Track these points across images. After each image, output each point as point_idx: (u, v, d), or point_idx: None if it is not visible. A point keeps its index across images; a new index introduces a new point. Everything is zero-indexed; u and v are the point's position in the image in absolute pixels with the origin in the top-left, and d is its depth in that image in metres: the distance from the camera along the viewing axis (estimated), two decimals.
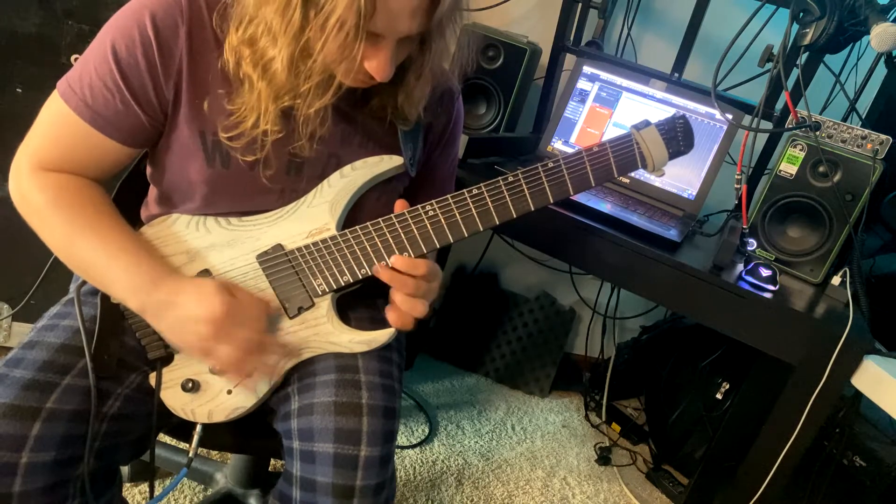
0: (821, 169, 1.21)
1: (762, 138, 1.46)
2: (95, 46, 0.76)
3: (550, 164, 0.79)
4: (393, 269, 0.81)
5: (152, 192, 0.88)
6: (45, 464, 0.69)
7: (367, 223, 0.81)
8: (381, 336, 0.84)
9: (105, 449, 0.76)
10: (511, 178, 0.79)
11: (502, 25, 1.71)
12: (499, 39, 1.60)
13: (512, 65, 1.60)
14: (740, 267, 1.19)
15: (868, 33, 1.07)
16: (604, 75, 1.54)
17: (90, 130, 0.77)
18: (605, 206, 1.27)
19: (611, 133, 1.53)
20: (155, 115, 0.78)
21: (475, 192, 0.80)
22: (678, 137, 0.82)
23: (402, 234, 0.81)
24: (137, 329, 0.82)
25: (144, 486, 1.32)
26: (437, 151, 0.97)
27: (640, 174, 1.48)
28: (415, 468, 1.60)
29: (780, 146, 1.38)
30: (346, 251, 0.82)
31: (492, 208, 0.80)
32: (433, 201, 0.80)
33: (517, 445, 1.81)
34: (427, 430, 1.75)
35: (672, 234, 1.23)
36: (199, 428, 0.84)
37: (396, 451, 1.59)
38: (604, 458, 1.83)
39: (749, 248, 1.18)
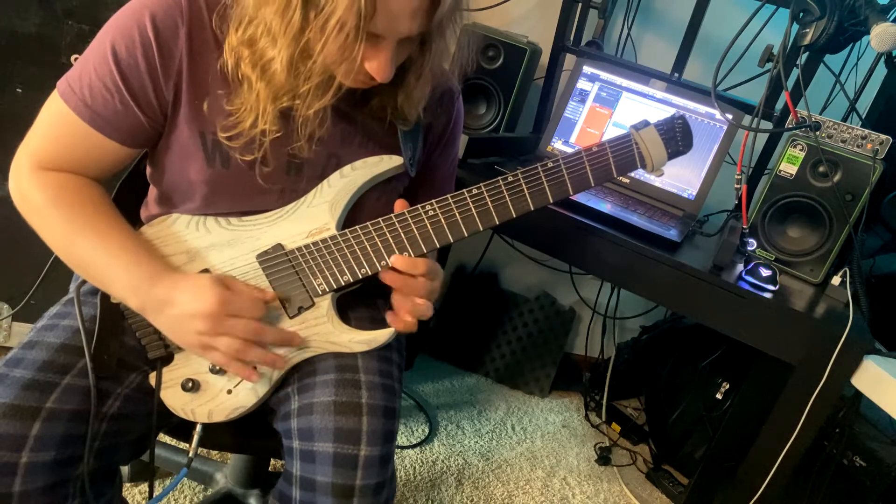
0: (821, 169, 1.21)
1: (762, 138, 1.46)
2: (95, 46, 0.76)
3: (550, 164, 0.79)
4: (393, 269, 0.81)
5: (152, 192, 0.88)
6: (44, 463, 0.69)
7: (367, 223, 0.81)
8: (381, 336, 0.84)
9: (105, 449, 0.76)
10: (511, 178, 0.79)
11: (502, 25, 1.71)
12: (499, 39, 1.60)
13: (512, 65, 1.60)
14: (740, 267, 1.19)
15: (868, 33, 1.07)
16: (604, 75, 1.54)
17: (89, 130, 0.77)
18: (605, 206, 1.27)
19: (611, 133, 1.53)
20: (154, 116, 0.79)
21: (475, 191, 0.80)
22: (677, 137, 0.82)
23: (402, 234, 0.81)
24: (137, 329, 0.82)
25: (144, 486, 1.32)
26: (436, 151, 0.97)
27: (640, 174, 1.48)
28: (415, 468, 1.60)
29: (780, 146, 1.38)
30: (346, 251, 0.82)
31: (492, 208, 0.80)
32: (433, 201, 0.80)
33: (517, 445, 1.81)
34: (427, 430, 1.75)
35: (672, 234, 1.23)
36: (199, 428, 0.84)
37: (396, 451, 1.59)
38: (604, 458, 1.83)
39: (749, 248, 1.18)
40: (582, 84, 1.56)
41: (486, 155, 1.48)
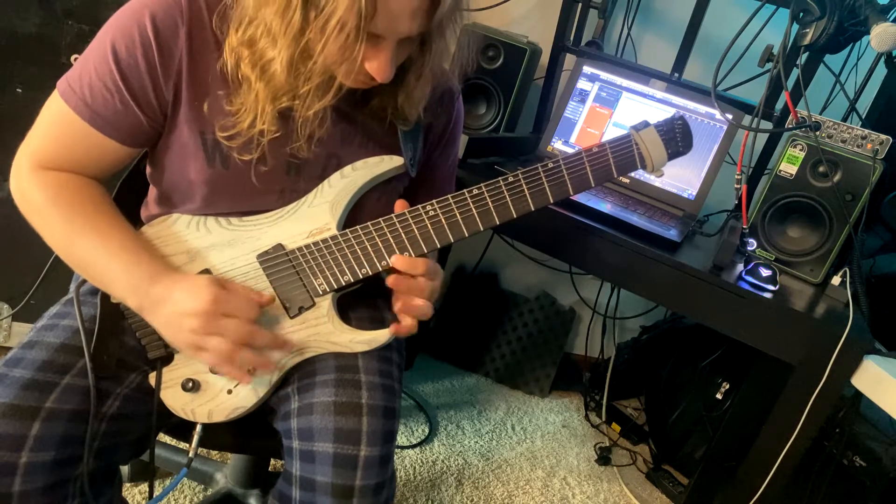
0: (821, 169, 1.21)
1: (762, 138, 1.46)
2: (95, 46, 0.76)
3: (550, 165, 0.79)
4: (393, 269, 0.81)
5: (152, 192, 0.88)
6: (44, 463, 0.69)
7: (368, 223, 0.81)
8: (381, 336, 0.84)
9: (104, 449, 0.76)
10: (511, 179, 0.79)
11: (502, 25, 1.71)
12: (499, 39, 1.60)
13: (512, 65, 1.60)
14: (740, 267, 1.19)
15: (868, 33, 1.07)
16: (604, 75, 1.54)
17: (89, 130, 0.77)
18: (605, 206, 1.27)
19: (611, 133, 1.53)
20: (154, 116, 0.79)
21: (475, 192, 0.80)
22: (677, 138, 0.82)
23: (403, 234, 0.81)
24: (137, 329, 0.82)
25: (144, 486, 1.32)
26: (437, 151, 0.97)
27: (640, 174, 1.48)
28: (415, 468, 1.60)
29: (780, 146, 1.38)
30: (347, 251, 0.82)
31: (492, 208, 0.80)
32: (434, 201, 0.80)
33: (517, 445, 1.81)
34: (427, 430, 1.75)
35: (672, 234, 1.23)
36: (198, 428, 0.84)
37: (396, 451, 1.59)
38: (604, 458, 1.83)
39: (749, 248, 1.18)
40: (582, 84, 1.56)
41: (486, 155, 1.48)
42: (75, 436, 0.72)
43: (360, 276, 0.82)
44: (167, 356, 0.82)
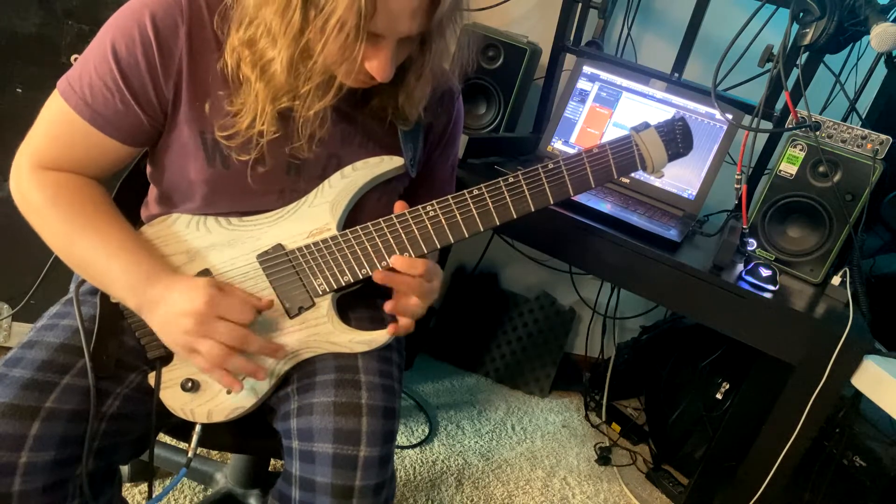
0: (821, 169, 1.21)
1: (762, 138, 1.46)
2: (95, 46, 0.76)
3: (550, 165, 0.79)
4: (392, 269, 0.81)
5: (152, 191, 0.88)
6: (44, 463, 0.69)
7: (368, 223, 0.81)
8: (380, 336, 0.84)
9: (104, 448, 0.76)
10: (511, 179, 0.79)
11: (502, 25, 1.71)
12: (499, 39, 1.60)
13: (512, 65, 1.60)
14: (740, 267, 1.19)
15: (868, 33, 1.07)
16: (604, 75, 1.54)
17: (90, 129, 0.77)
18: (605, 206, 1.27)
19: (611, 133, 1.53)
20: (154, 115, 0.79)
21: (476, 192, 0.80)
22: (677, 139, 0.82)
23: (403, 235, 0.81)
24: (137, 329, 0.82)
25: (144, 486, 1.32)
26: (437, 152, 0.97)
27: (640, 174, 1.48)
28: (415, 468, 1.60)
29: (780, 146, 1.38)
30: (347, 251, 0.82)
31: (492, 209, 0.80)
32: (434, 201, 0.80)
33: (517, 445, 1.81)
34: (427, 430, 1.75)
35: (672, 234, 1.23)
36: (198, 428, 0.84)
37: (396, 451, 1.59)
38: (604, 458, 1.83)
39: (749, 248, 1.18)
40: (582, 84, 1.55)
41: (486, 155, 1.47)
42: (75, 435, 0.72)
43: (360, 277, 0.82)
44: (166, 356, 0.82)
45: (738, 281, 1.13)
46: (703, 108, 1.45)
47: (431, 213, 0.80)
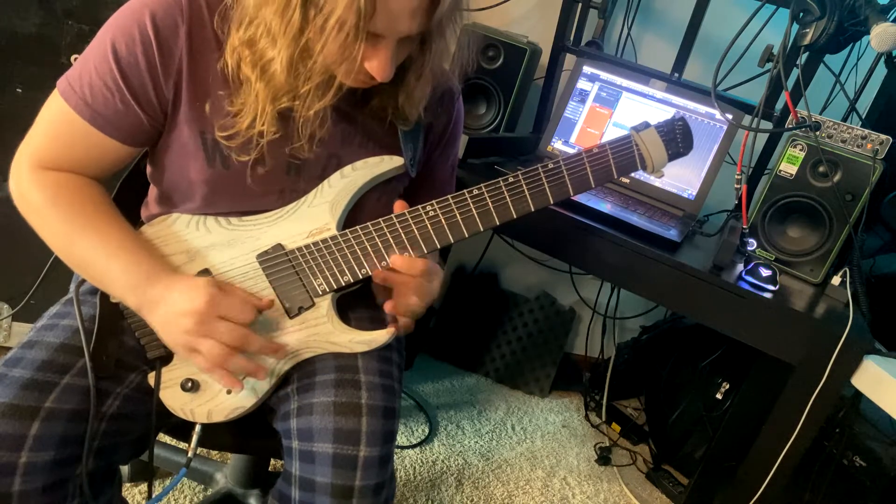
0: (821, 169, 1.21)
1: (762, 138, 1.46)
2: (95, 45, 0.76)
3: (550, 165, 0.79)
4: (392, 268, 0.81)
5: (152, 191, 0.88)
6: (44, 463, 0.69)
7: (368, 223, 0.81)
8: (380, 336, 0.84)
9: (104, 448, 0.76)
10: (511, 179, 0.79)
11: (502, 25, 1.71)
12: (499, 39, 1.60)
13: (512, 65, 1.60)
14: (740, 267, 1.19)
15: (868, 33, 1.07)
16: (604, 75, 1.54)
17: (90, 129, 0.77)
18: (605, 206, 1.27)
19: (611, 133, 1.53)
20: (154, 115, 0.79)
21: (475, 192, 0.80)
22: (677, 139, 0.82)
23: (403, 234, 0.81)
24: (137, 328, 0.82)
25: (144, 486, 1.32)
26: (437, 152, 0.97)
27: (641, 174, 1.48)
28: (415, 468, 1.60)
29: (780, 146, 1.38)
30: (347, 251, 0.82)
31: (492, 209, 0.80)
32: (434, 201, 0.80)
33: (517, 445, 1.81)
34: (427, 430, 1.75)
35: (672, 234, 1.23)
36: (198, 428, 0.84)
37: (396, 451, 1.59)
38: (604, 458, 1.83)
39: (749, 248, 1.18)
40: (582, 84, 1.55)
41: (486, 155, 1.47)
42: (75, 435, 0.72)
43: (360, 277, 0.82)
44: (166, 356, 0.82)
45: (738, 281, 1.13)
46: (703, 108, 1.45)
47: (431, 213, 0.80)
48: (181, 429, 0.89)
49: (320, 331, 0.83)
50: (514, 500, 1.58)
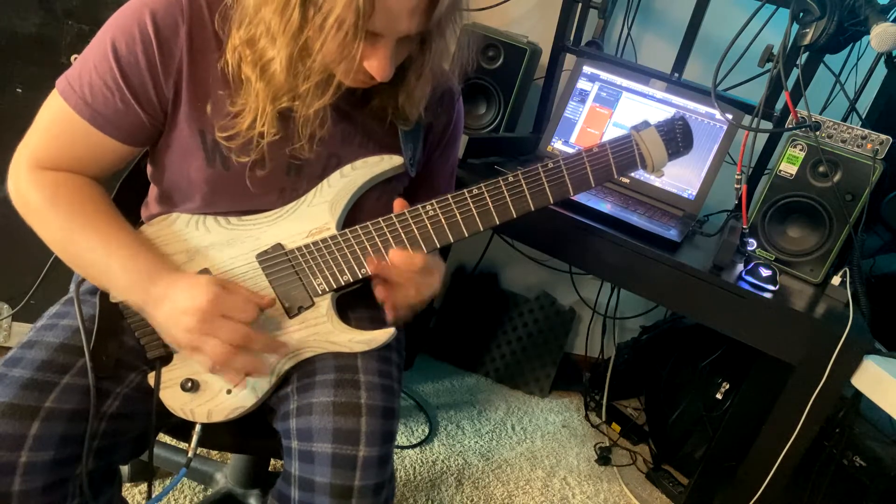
0: (821, 169, 1.21)
1: (762, 138, 1.46)
2: (95, 45, 0.76)
3: (550, 165, 0.79)
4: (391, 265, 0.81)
5: (152, 191, 0.88)
6: (44, 463, 0.69)
7: (368, 223, 0.81)
8: (380, 336, 0.84)
9: (104, 448, 0.76)
10: (511, 179, 0.79)
11: (502, 25, 1.71)
12: (499, 39, 1.60)
13: (512, 65, 1.60)
14: (740, 267, 1.19)
15: (868, 33, 1.07)
16: (604, 75, 1.54)
17: (89, 129, 0.77)
18: (605, 206, 1.27)
19: (611, 133, 1.53)
20: (155, 114, 0.78)
21: (475, 192, 0.80)
22: (677, 138, 0.82)
23: (403, 234, 0.81)
24: (137, 328, 0.82)
25: (144, 486, 1.32)
26: (437, 152, 0.97)
27: (640, 174, 1.48)
28: (415, 468, 1.60)
29: (780, 146, 1.38)
30: (346, 250, 0.82)
31: (492, 208, 0.80)
32: (433, 201, 0.80)
33: (517, 445, 1.81)
34: (427, 430, 1.75)
35: (672, 234, 1.23)
36: (198, 428, 0.84)
37: (396, 451, 1.59)
38: (604, 458, 1.83)
39: (749, 248, 1.18)
40: (582, 84, 1.55)
41: (486, 155, 1.47)
42: (75, 435, 0.72)
43: (360, 276, 0.82)
44: (166, 356, 0.82)
45: (738, 281, 1.13)
46: (703, 108, 1.45)
47: (431, 213, 0.80)
48: (181, 429, 0.89)
49: (320, 330, 0.83)
50: (514, 500, 1.58)
